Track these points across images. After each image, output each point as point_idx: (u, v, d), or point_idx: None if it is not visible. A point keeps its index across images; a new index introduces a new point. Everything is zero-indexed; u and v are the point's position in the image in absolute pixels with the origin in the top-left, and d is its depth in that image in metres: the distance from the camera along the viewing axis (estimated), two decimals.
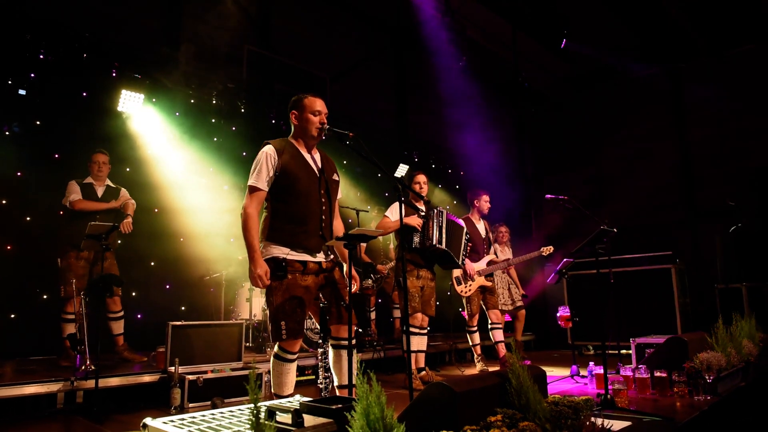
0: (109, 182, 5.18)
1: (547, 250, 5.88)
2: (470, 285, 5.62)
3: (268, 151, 3.01)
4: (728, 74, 8.58)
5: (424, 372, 5.03)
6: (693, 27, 8.37)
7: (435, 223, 4.84)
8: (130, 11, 6.22)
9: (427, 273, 4.99)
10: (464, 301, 5.71)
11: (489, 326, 5.80)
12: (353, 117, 8.20)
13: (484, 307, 5.76)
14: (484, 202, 5.86)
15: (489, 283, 5.73)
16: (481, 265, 5.71)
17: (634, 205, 9.05)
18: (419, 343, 4.96)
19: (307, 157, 3.12)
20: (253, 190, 2.98)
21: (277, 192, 3.02)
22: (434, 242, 4.78)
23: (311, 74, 7.62)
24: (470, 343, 5.79)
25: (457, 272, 5.66)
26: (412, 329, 4.89)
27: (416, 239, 4.85)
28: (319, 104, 3.10)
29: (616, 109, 9.57)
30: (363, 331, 6.17)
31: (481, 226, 5.87)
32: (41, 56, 5.26)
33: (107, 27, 5.93)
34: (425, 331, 5.00)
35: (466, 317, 5.71)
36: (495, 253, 5.92)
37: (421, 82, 9.43)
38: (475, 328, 5.72)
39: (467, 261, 5.59)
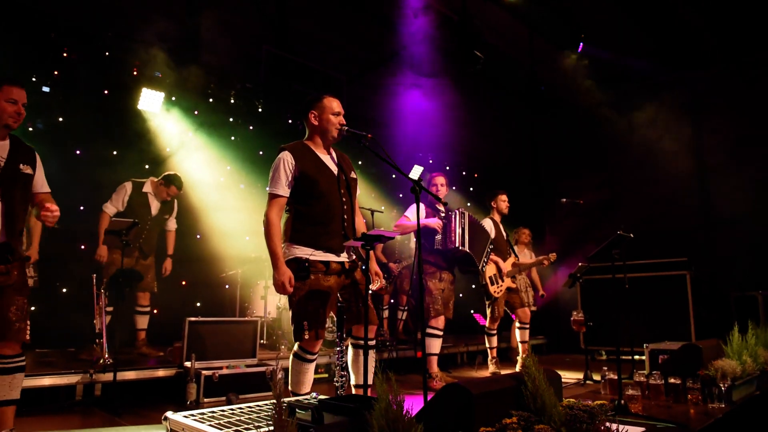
0: (166, 198, 5.24)
1: (552, 256, 5.82)
2: (501, 286, 5.59)
3: (285, 156, 3.02)
4: (745, 80, 8.50)
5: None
6: (710, 33, 8.30)
7: (457, 225, 4.82)
8: (151, 11, 6.30)
9: (449, 275, 4.99)
10: (489, 303, 5.64)
11: (517, 325, 5.77)
12: (369, 118, 8.24)
13: (509, 308, 5.74)
14: (501, 202, 5.80)
15: (514, 285, 5.73)
16: (507, 266, 5.70)
17: (648, 211, 8.97)
18: (436, 345, 4.96)
19: (325, 158, 3.14)
20: (273, 197, 3.00)
21: (298, 195, 3.03)
22: (456, 244, 4.77)
23: (328, 75, 7.66)
24: (487, 345, 5.74)
25: (490, 272, 5.56)
26: (433, 331, 4.90)
27: (438, 240, 4.84)
28: (337, 105, 3.13)
29: (631, 113, 9.51)
30: (376, 331, 6.20)
31: (502, 228, 5.83)
32: (65, 54, 5.36)
33: (129, 26, 6.01)
34: (441, 333, 5.00)
35: (488, 319, 5.66)
36: (515, 255, 5.89)
37: (436, 83, 9.43)
38: (495, 331, 5.70)
39: (499, 260, 5.60)
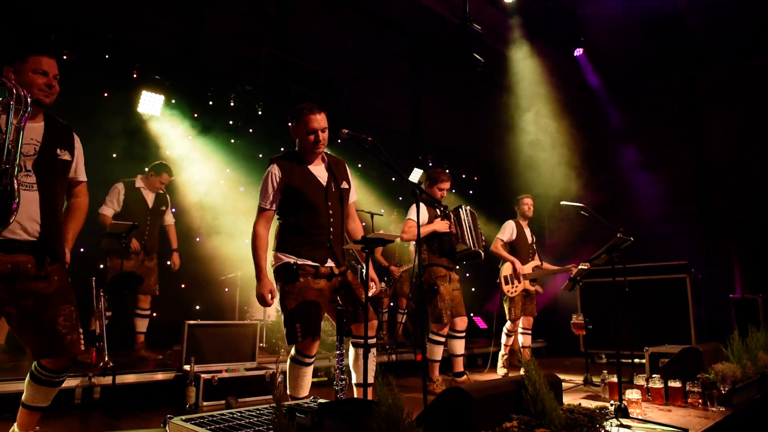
0: (159, 189, 5.29)
1: (586, 265, 5.77)
2: (516, 286, 5.62)
3: (273, 170, 3.07)
4: (745, 84, 8.52)
5: (465, 376, 5.03)
6: (710, 36, 8.32)
7: (466, 225, 4.83)
8: (152, 13, 6.31)
9: (456, 275, 5.01)
10: (506, 302, 5.70)
11: (519, 330, 5.82)
12: (369, 120, 8.25)
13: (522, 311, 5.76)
14: (523, 205, 5.85)
15: (533, 288, 5.75)
16: (527, 269, 5.72)
17: (647, 214, 8.99)
18: (460, 346, 5.02)
19: (314, 169, 3.14)
20: (260, 210, 3.08)
21: (286, 207, 3.09)
22: (471, 246, 4.78)
23: (328, 77, 7.68)
24: (503, 342, 5.77)
25: (506, 271, 5.65)
26: (436, 337, 4.91)
27: (446, 243, 4.82)
28: (316, 121, 3.05)
29: (631, 116, 9.53)
30: (375, 334, 6.18)
31: (528, 232, 5.87)
32: (65, 56, 5.34)
33: (129, 29, 6.02)
34: (463, 334, 5.02)
35: (508, 319, 5.68)
36: (540, 260, 5.90)
37: (436, 86, 9.46)
38: (513, 333, 5.71)
39: (516, 261, 5.62)
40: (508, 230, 5.74)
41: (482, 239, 5.01)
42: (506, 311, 5.71)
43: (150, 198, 5.20)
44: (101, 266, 5.13)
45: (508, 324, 5.69)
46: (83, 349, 2.47)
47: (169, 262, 5.41)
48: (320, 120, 3.06)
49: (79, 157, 2.63)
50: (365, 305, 2.90)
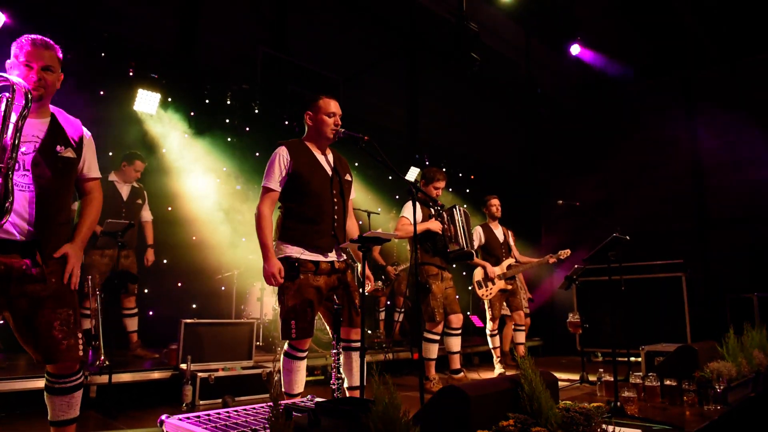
0: (134, 182, 5.25)
1: (564, 253, 5.84)
2: (491, 288, 5.64)
3: (281, 151, 3.08)
4: (741, 83, 8.54)
5: (462, 373, 5.05)
6: (706, 35, 8.34)
7: (459, 225, 4.85)
8: (148, 11, 6.28)
9: (448, 273, 5.04)
10: (486, 304, 5.73)
11: (513, 328, 5.85)
12: (365, 119, 8.24)
13: (507, 309, 5.78)
14: (491, 206, 5.91)
15: (509, 287, 5.76)
16: (501, 269, 5.74)
17: (643, 212, 9.01)
18: (456, 344, 5.04)
19: (320, 158, 3.18)
20: (266, 190, 3.06)
21: (290, 192, 3.08)
22: (463, 246, 4.81)
23: (324, 76, 7.66)
24: (490, 346, 5.79)
25: (478, 276, 5.69)
26: (431, 336, 4.91)
27: (439, 243, 4.85)
28: (333, 105, 3.16)
29: (627, 115, 9.55)
30: (372, 333, 6.19)
31: (499, 231, 5.90)
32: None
33: (125, 26, 5.99)
34: (459, 331, 5.04)
35: (488, 320, 5.72)
36: (514, 257, 5.93)
37: (432, 85, 9.46)
38: (496, 332, 5.76)
39: (487, 264, 5.64)
40: (476, 236, 5.77)
41: (472, 239, 5.07)
42: (487, 314, 5.74)
43: (125, 191, 5.16)
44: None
45: (489, 325, 5.72)
46: (82, 354, 2.34)
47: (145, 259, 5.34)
48: (337, 105, 3.18)
49: (88, 153, 2.54)
50: (359, 309, 2.92)
